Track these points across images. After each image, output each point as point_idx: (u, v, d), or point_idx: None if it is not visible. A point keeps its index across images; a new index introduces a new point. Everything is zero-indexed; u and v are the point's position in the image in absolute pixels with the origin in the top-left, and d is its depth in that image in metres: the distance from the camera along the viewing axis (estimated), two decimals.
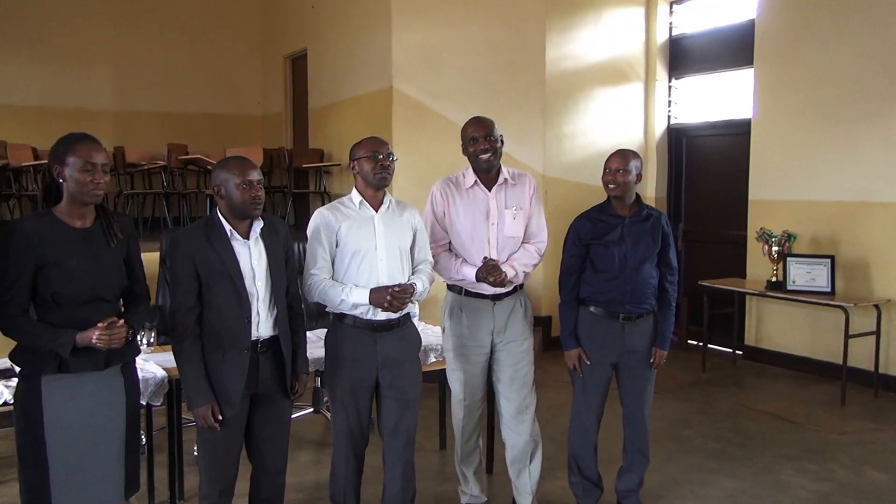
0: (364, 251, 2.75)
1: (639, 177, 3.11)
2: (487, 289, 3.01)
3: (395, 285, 2.69)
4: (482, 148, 2.97)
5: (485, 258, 2.93)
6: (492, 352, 3.11)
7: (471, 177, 3.04)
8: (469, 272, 2.96)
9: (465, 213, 3.02)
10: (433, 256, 3.01)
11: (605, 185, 3.09)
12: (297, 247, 3.31)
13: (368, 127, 6.06)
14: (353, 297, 2.69)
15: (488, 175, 3.03)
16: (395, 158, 2.81)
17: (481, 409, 3.20)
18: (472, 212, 3.01)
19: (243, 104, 8.91)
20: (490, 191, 3.03)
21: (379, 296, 2.67)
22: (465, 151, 3.06)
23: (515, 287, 3.09)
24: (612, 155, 3.11)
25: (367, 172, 2.75)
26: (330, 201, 3.17)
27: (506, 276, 2.92)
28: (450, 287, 3.15)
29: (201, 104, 8.64)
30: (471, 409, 3.16)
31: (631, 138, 6.76)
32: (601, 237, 3.11)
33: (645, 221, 3.12)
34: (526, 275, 3.10)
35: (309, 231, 2.79)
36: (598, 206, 3.22)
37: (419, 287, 2.78)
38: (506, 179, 3.04)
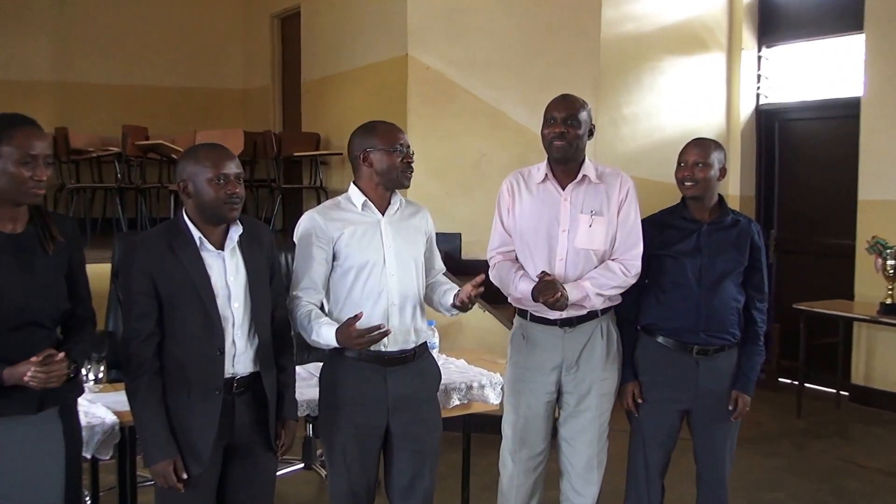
0: (371, 266, 2.78)
1: (722, 172, 3.13)
2: (553, 313, 3.06)
3: (370, 328, 2.62)
4: (556, 132, 3.02)
5: (542, 272, 2.98)
6: (559, 393, 3.14)
7: (543, 170, 3.11)
8: (526, 288, 3.02)
9: (530, 214, 3.09)
10: (494, 267, 3.13)
11: (680, 182, 3.12)
12: (285, 259, 3.32)
13: (377, 106, 6.10)
14: (322, 338, 2.70)
15: (565, 168, 3.09)
16: (413, 152, 2.85)
17: (542, 465, 3.20)
18: (540, 213, 3.08)
19: (219, 76, 8.94)
20: (564, 189, 3.08)
21: (343, 336, 2.66)
22: (542, 135, 3.14)
23: (592, 312, 3.11)
24: (688, 145, 3.13)
25: (388, 170, 2.79)
26: (327, 199, 3.19)
27: (564, 297, 2.94)
28: (518, 311, 3.21)
29: (166, 75, 8.63)
30: (526, 463, 3.16)
31: (709, 123, 6.72)
32: (670, 246, 3.12)
33: (729, 229, 3.14)
34: (607, 300, 3.11)
35: (296, 240, 2.81)
36: (669, 209, 3.22)
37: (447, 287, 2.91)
38: (586, 177, 3.08)
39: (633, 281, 3.10)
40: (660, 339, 3.15)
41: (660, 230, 3.15)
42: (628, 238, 3.10)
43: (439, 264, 3.04)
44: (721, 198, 3.19)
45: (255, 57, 8.80)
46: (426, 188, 5.89)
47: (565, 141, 3.01)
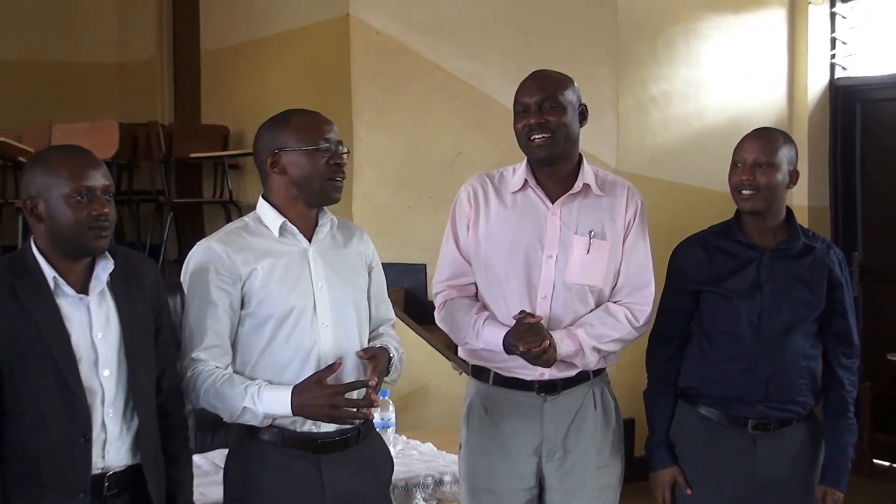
0: (296, 314, 2.78)
1: (793, 176, 3.17)
2: (529, 371, 3.06)
3: (343, 385, 2.70)
4: (531, 124, 3.05)
5: (520, 313, 2.99)
6: (541, 489, 3.13)
7: (521, 174, 3.14)
8: (495, 336, 3.03)
9: (503, 233, 3.11)
10: (442, 305, 3.16)
11: (735, 189, 3.14)
12: (179, 303, 3.32)
13: (308, 87, 6.20)
14: (263, 405, 2.70)
15: (553, 172, 3.12)
16: (347, 151, 2.86)
17: None
18: (516, 232, 3.10)
19: (84, 45, 8.93)
20: (554, 201, 3.10)
21: (311, 399, 2.69)
22: (515, 130, 3.16)
23: (584, 373, 3.12)
24: (746, 138, 3.16)
25: (307, 178, 2.80)
26: (240, 217, 3.20)
27: (551, 348, 2.95)
28: (474, 372, 3.21)
29: (7, 45, 8.59)
30: None
31: (764, 105, 6.76)
32: (721, 281, 3.15)
33: (800, 259, 3.18)
34: (605, 356, 3.14)
35: (187, 280, 2.83)
36: (718, 227, 3.24)
37: (394, 350, 2.89)
38: (586, 185, 3.12)
39: (640, 334, 3.14)
40: (703, 410, 3.17)
41: (709, 256, 3.19)
42: (638, 274, 3.14)
43: (385, 311, 3.04)
44: (790, 214, 3.22)
45: (134, 18, 8.80)
46: (377, 200, 5.94)
47: (548, 133, 3.03)
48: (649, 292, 3.14)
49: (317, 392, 2.65)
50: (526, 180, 3.10)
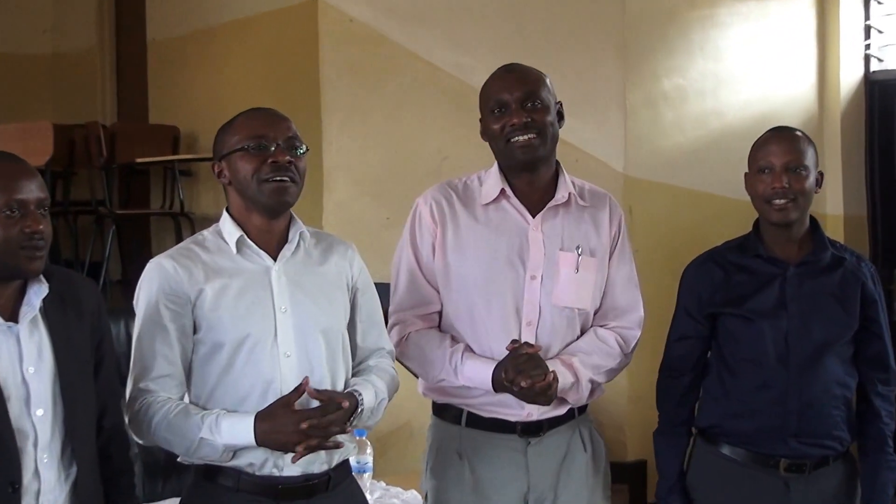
0: (252, 343, 2.80)
1: (819, 180, 3.20)
2: (512, 408, 3.06)
3: (313, 409, 2.72)
4: (514, 124, 3.07)
5: (513, 342, 3.00)
6: None
7: (494, 182, 3.16)
8: (479, 372, 3.04)
9: (477, 252, 3.12)
10: (405, 339, 3.15)
11: (763, 199, 3.17)
12: (124, 329, 3.28)
13: (271, 82, 6.22)
14: (223, 435, 2.72)
15: (532, 179, 3.14)
16: (302, 148, 2.86)
17: None
18: (493, 249, 3.11)
19: (12, 33, 8.90)
20: (534, 213, 3.13)
21: (277, 426, 2.70)
22: (485, 134, 3.19)
23: (570, 410, 3.13)
24: (770, 139, 3.20)
25: (244, 182, 2.82)
26: (195, 233, 3.20)
27: (555, 382, 2.95)
28: (437, 410, 3.21)
29: None
30: None
31: (792, 101, 6.76)
32: (742, 301, 3.16)
33: (829, 273, 3.20)
34: (596, 387, 3.15)
35: (138, 303, 2.85)
36: (735, 242, 3.28)
37: (368, 400, 2.85)
38: (570, 195, 3.15)
39: (629, 361, 3.18)
40: (726, 450, 3.19)
41: (726, 274, 3.20)
42: (626, 295, 3.19)
43: (376, 339, 3.05)
44: (815, 223, 3.24)
45: (70, 2, 8.80)
46: (350, 212, 5.95)
47: (534, 133, 3.06)
48: (638, 315, 3.19)
49: (283, 418, 2.66)
50: (502, 190, 3.11)
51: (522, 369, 2.90)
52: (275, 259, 2.84)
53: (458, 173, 5.80)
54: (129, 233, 7.66)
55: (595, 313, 3.18)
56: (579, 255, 3.09)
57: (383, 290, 6.15)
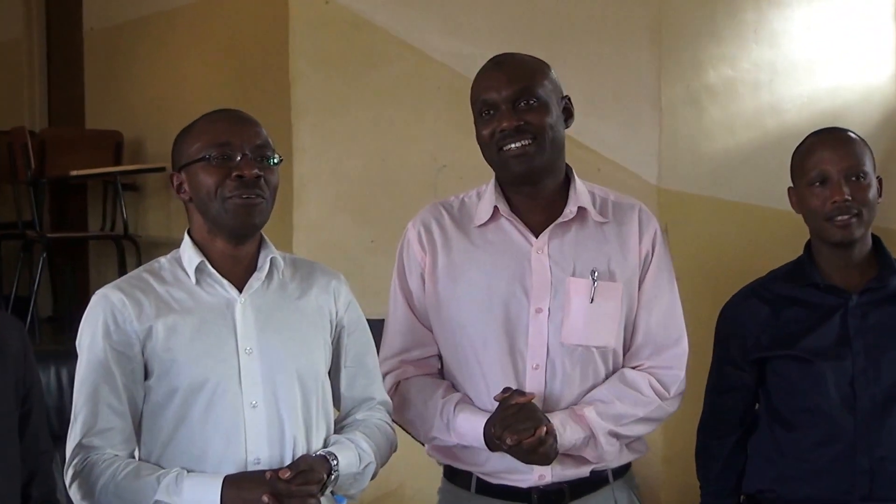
0: (213, 389, 2.83)
1: (879, 188, 3.23)
2: (521, 472, 3.06)
3: (281, 469, 2.74)
4: (503, 129, 3.08)
5: (504, 391, 3.03)
6: None
7: (490, 198, 3.17)
8: (472, 426, 3.07)
9: (472, 281, 3.16)
10: (394, 389, 3.22)
11: (824, 217, 3.18)
12: (55, 378, 3.37)
13: (232, 76, 6.21)
14: (183, 498, 2.73)
15: (534, 194, 3.15)
16: (275, 159, 2.89)
17: None
18: (490, 277, 3.15)
19: None
20: (538, 233, 3.14)
21: (246, 493, 2.72)
22: (478, 141, 3.18)
23: (601, 473, 3.13)
24: (821, 144, 3.24)
25: (205, 198, 2.87)
26: (140, 259, 3.22)
27: (550, 437, 2.94)
28: (447, 472, 3.26)
29: None
30: None
31: (866, 95, 6.79)
32: (795, 340, 3.18)
33: None
34: (628, 444, 3.14)
35: (81, 343, 2.87)
36: (784, 269, 3.32)
37: (346, 465, 2.89)
38: (581, 209, 3.14)
39: (673, 409, 3.15)
40: None
41: (772, 311, 3.22)
42: (664, 327, 3.18)
43: (366, 387, 3.10)
44: (878, 242, 3.26)
45: None
46: (327, 233, 5.95)
47: (528, 138, 3.07)
48: (680, 351, 3.17)
49: (256, 488, 2.68)
50: (496, 207, 3.14)
51: (508, 424, 2.92)
52: (241, 290, 2.88)
53: (457, 185, 5.85)
54: (63, 260, 7.66)
55: (626, 350, 3.17)
56: (595, 280, 3.08)
57: (373, 327, 6.17)
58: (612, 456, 3.09)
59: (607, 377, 3.12)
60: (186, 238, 2.92)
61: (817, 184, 3.17)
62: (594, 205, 3.15)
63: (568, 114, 3.16)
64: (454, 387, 3.17)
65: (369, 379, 3.09)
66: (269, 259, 2.91)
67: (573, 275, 3.08)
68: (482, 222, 3.15)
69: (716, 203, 6.29)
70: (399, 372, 3.22)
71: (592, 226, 3.13)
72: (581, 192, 3.14)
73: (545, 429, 2.90)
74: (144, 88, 7.34)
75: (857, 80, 6.83)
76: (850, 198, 3.12)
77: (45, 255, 7.28)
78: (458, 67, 5.98)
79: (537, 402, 3.00)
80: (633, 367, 3.13)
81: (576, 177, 3.18)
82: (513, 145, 3.04)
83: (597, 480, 3.12)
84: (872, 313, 3.18)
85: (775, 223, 5.85)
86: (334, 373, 3.03)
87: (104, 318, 2.81)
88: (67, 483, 2.78)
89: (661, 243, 3.19)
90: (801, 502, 3.19)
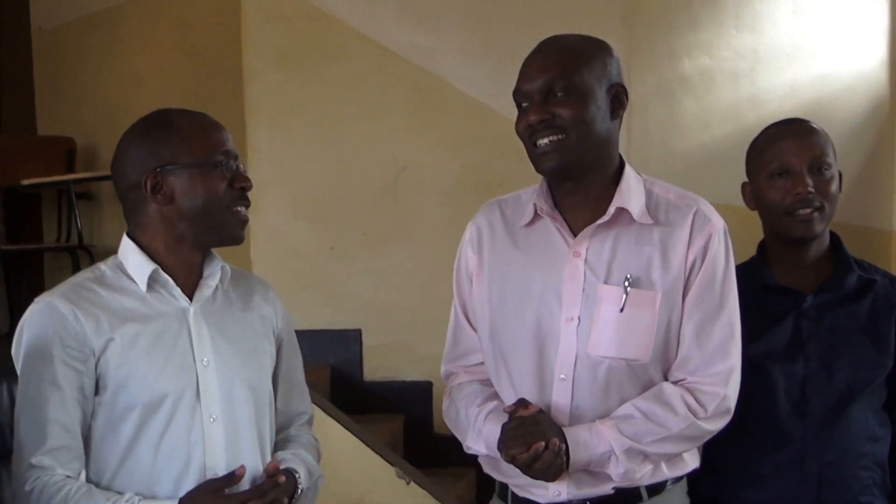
0: (171, 404, 2.84)
1: (839, 183, 3.23)
2: (540, 490, 3.06)
3: (247, 491, 2.78)
4: (531, 122, 3.00)
5: (519, 401, 3.00)
6: None
7: (530, 198, 3.15)
8: (492, 436, 3.03)
9: (510, 285, 3.13)
10: (448, 392, 3.24)
11: (785, 211, 3.21)
12: (5, 393, 3.30)
13: (185, 73, 6.31)
14: None
15: (575, 191, 3.09)
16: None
17: None
18: (527, 281, 3.11)
19: None
20: (576, 234, 3.07)
21: None
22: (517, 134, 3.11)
23: (633, 491, 3.06)
24: (780, 132, 3.29)
25: (206, 207, 2.87)
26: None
27: (549, 453, 2.88)
28: (499, 487, 3.21)
29: None
30: None
31: (855, 82, 6.75)
32: (745, 344, 3.13)
33: (856, 299, 3.26)
34: (659, 465, 3.07)
35: (20, 354, 2.88)
36: (738, 270, 3.23)
37: (304, 480, 2.94)
38: (621, 210, 3.05)
39: (715, 427, 3.03)
40: None
41: None
42: (710, 341, 3.05)
43: (298, 402, 3.16)
44: (836, 239, 3.26)
45: None
46: (285, 239, 6.01)
47: (557, 133, 2.97)
48: (727, 367, 3.04)
49: (208, 499, 2.72)
50: (535, 206, 3.06)
51: (506, 438, 2.90)
52: (190, 299, 2.88)
53: (419, 187, 5.92)
54: (15, 273, 7.57)
55: (671, 364, 3.09)
56: (627, 287, 2.99)
57: (329, 339, 6.15)
58: (639, 474, 3.01)
59: (641, 392, 3.03)
60: (128, 243, 2.89)
61: (777, 176, 3.19)
62: (648, 204, 3.05)
63: (618, 103, 3.03)
64: (494, 395, 3.13)
65: (300, 392, 3.13)
66: (219, 267, 2.92)
67: (606, 282, 2.99)
68: (527, 222, 3.09)
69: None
70: (452, 377, 3.23)
71: (637, 228, 3.03)
72: (629, 191, 3.04)
73: (542, 444, 2.85)
74: (96, 90, 7.36)
75: (845, 67, 6.80)
76: (813, 190, 3.13)
77: None
78: (420, 62, 6.10)
79: (563, 414, 2.98)
80: (675, 382, 3.05)
81: (631, 173, 3.07)
82: (541, 141, 2.96)
83: (627, 496, 3.05)
84: (827, 315, 3.21)
85: (752, 224, 5.85)
86: (272, 386, 3.05)
87: (54, 330, 2.78)
88: None
89: (716, 249, 3.04)
90: None
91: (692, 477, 3.18)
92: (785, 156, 3.18)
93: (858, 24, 6.82)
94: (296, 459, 2.96)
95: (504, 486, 3.15)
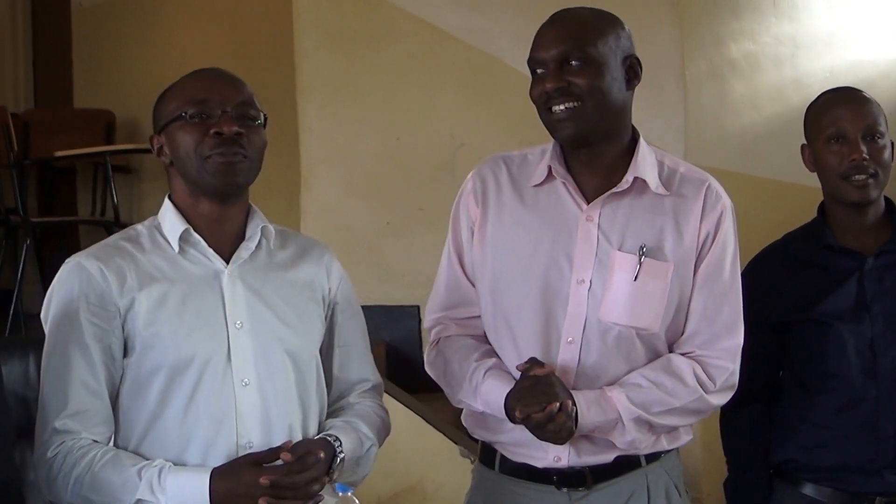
0: (198, 367, 2.83)
1: (891, 152, 3.34)
2: (540, 453, 3.08)
3: (281, 466, 2.73)
4: (547, 90, 3.03)
5: (531, 359, 3.01)
6: None
7: (547, 158, 3.15)
8: (496, 395, 3.04)
9: (517, 243, 3.13)
10: (434, 345, 3.23)
11: (840, 176, 3.27)
12: (31, 367, 3.25)
13: (231, 54, 6.29)
14: (168, 496, 2.70)
15: (590, 158, 3.12)
16: (259, 118, 2.91)
17: None
18: (536, 241, 3.12)
19: None
20: (591, 200, 3.10)
21: (241, 486, 2.70)
22: (532, 101, 3.17)
23: (630, 458, 3.11)
24: (835, 102, 3.36)
25: (184, 157, 2.87)
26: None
27: (562, 415, 2.90)
28: (482, 449, 3.25)
29: None
30: None
31: (892, 68, 6.94)
32: (813, 304, 3.27)
33: None
34: (662, 435, 3.13)
35: (48, 316, 2.88)
36: (799, 231, 3.42)
37: (350, 448, 2.90)
38: (638, 180, 3.09)
39: (720, 402, 3.10)
40: (809, 490, 3.28)
41: (789, 273, 3.31)
42: (719, 315, 3.09)
43: (358, 369, 3.13)
44: (891, 205, 3.36)
45: None
46: (339, 215, 6.08)
47: (573, 100, 2.99)
48: (734, 343, 3.07)
49: (248, 477, 2.67)
50: (550, 168, 3.09)
51: (521, 396, 2.90)
52: (227, 261, 2.88)
53: (476, 164, 5.97)
54: (50, 248, 7.49)
55: (678, 336, 3.13)
56: (642, 256, 3.01)
57: (385, 315, 6.10)
58: (643, 444, 3.03)
59: (648, 362, 3.05)
60: (167, 202, 2.91)
61: (833, 141, 3.25)
62: (661, 175, 3.08)
63: (633, 74, 3.05)
64: (493, 352, 3.12)
65: (362, 360, 3.11)
66: (259, 228, 2.92)
67: (620, 248, 3.01)
68: (538, 182, 3.10)
69: (742, 179, 6.34)
70: (441, 328, 3.20)
71: (650, 198, 3.05)
72: (644, 161, 3.06)
73: (557, 405, 2.86)
74: (138, 66, 7.33)
75: (882, 52, 6.94)
76: (867, 157, 3.19)
77: (29, 241, 7.11)
78: (474, 43, 6.14)
79: (568, 377, 2.98)
80: (684, 354, 3.06)
81: (643, 144, 3.10)
82: (557, 108, 2.98)
83: (629, 463, 3.06)
84: (888, 277, 3.25)
85: (801, 199, 6.02)
86: (326, 353, 3.03)
87: (81, 290, 2.77)
88: (39, 477, 2.80)
89: (727, 225, 3.08)
90: (826, 471, 3.24)
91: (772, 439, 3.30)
92: (840, 121, 3.23)
93: (891, 14, 7.00)
94: (344, 427, 2.92)
95: (490, 452, 3.16)
